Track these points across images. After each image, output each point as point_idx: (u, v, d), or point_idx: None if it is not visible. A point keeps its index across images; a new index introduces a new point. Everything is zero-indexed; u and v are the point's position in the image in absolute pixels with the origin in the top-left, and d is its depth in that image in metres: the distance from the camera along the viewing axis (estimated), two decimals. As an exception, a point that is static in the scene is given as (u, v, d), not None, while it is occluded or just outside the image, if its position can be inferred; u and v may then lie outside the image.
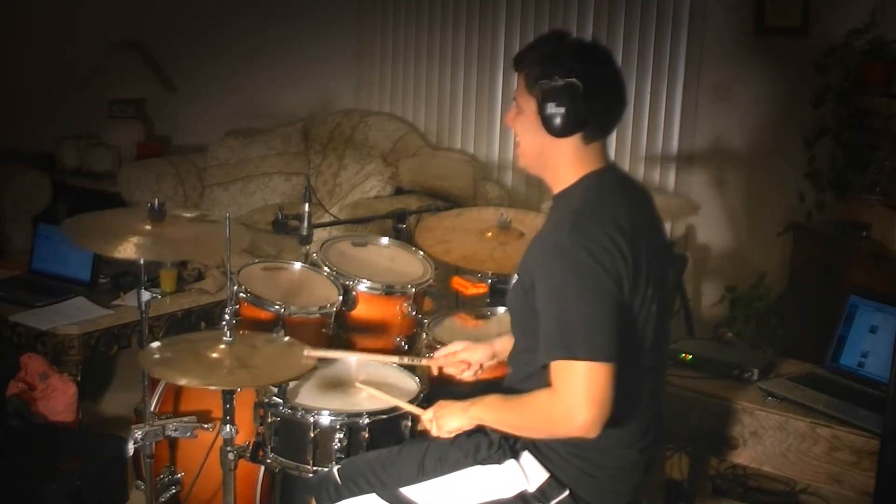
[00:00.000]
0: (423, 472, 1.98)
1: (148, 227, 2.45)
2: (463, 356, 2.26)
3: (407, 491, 1.98)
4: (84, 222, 2.56)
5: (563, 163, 1.93)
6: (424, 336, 2.73)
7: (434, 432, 2.02)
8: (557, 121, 1.86)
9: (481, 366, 2.27)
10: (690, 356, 2.77)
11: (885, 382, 2.33)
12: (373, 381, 2.46)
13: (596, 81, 1.86)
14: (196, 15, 5.52)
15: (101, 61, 5.38)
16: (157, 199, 2.49)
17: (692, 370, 2.74)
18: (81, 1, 5.46)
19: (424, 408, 2.13)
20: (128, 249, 2.37)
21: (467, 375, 2.27)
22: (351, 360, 2.58)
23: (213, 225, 2.54)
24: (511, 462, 1.93)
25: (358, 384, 2.38)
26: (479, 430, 1.98)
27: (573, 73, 1.84)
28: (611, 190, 1.93)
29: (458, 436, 2.00)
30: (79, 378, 3.28)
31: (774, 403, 2.54)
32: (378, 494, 2.00)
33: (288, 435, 2.31)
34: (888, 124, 3.52)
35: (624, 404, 1.85)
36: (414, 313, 2.79)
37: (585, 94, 1.84)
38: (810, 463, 2.45)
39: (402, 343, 2.79)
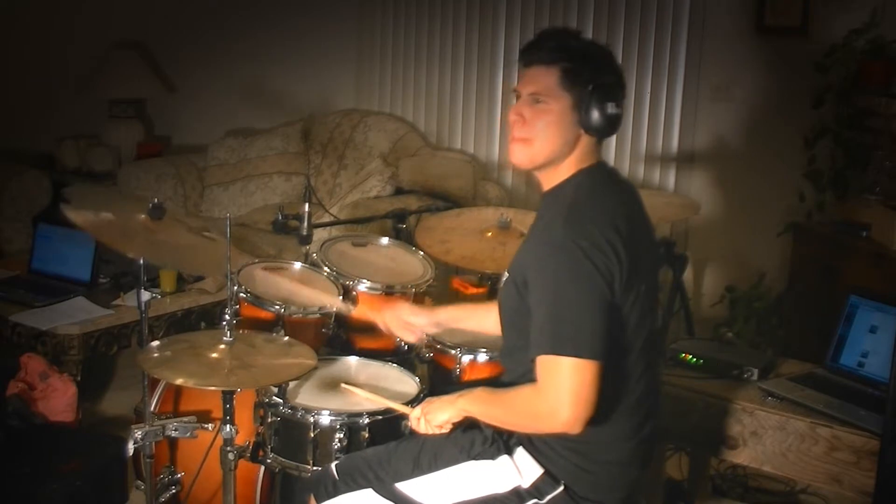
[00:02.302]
0: (418, 468, 1.99)
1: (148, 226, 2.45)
2: (409, 319, 2.35)
3: (402, 486, 1.99)
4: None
5: (566, 158, 1.93)
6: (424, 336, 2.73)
7: (422, 430, 2.02)
8: (609, 120, 1.88)
9: (424, 333, 2.41)
10: (690, 356, 2.77)
11: (885, 382, 2.34)
12: (372, 382, 2.46)
13: (622, 81, 1.93)
14: (196, 15, 5.52)
15: (101, 61, 5.38)
16: (156, 199, 2.49)
17: (692, 370, 2.74)
18: (81, 1, 5.46)
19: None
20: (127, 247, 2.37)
21: (409, 338, 2.40)
22: (351, 361, 2.59)
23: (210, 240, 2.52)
24: (504, 458, 1.93)
25: (343, 385, 2.38)
26: (474, 426, 1.99)
27: (617, 73, 1.90)
28: (603, 187, 1.93)
29: (452, 432, 2.01)
30: (79, 378, 3.28)
31: (774, 403, 2.54)
32: (374, 490, 2.01)
33: (288, 435, 2.31)
34: (888, 124, 3.51)
35: (619, 399, 1.87)
36: (414, 313, 2.79)
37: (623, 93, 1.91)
38: (810, 463, 2.45)
39: (403, 343, 2.79)
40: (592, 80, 1.86)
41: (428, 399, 2.07)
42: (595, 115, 1.87)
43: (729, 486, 3.23)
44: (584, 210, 1.85)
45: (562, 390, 1.75)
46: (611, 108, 1.87)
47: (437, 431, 2.00)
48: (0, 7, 5.23)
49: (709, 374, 2.71)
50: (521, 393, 1.85)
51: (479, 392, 1.96)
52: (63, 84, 5.47)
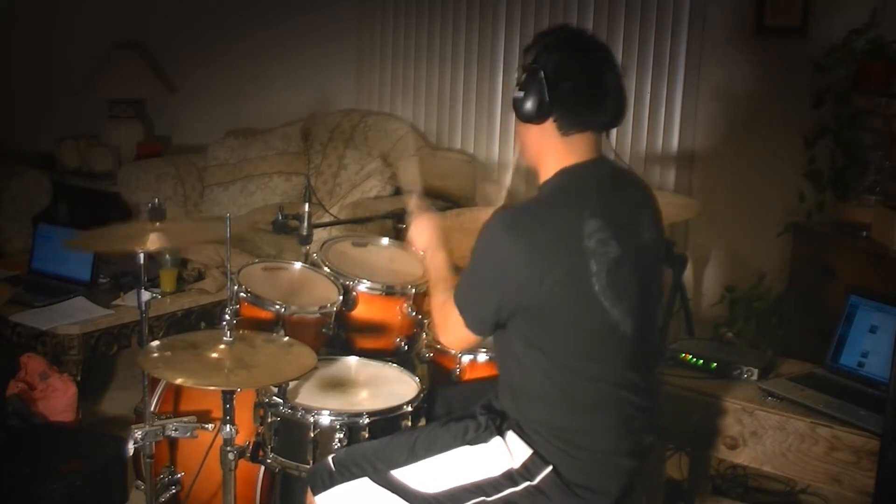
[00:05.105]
0: (413, 455, 2.02)
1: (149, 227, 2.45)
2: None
3: (397, 473, 2.01)
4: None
5: (546, 155, 1.97)
6: (424, 336, 2.73)
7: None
8: (524, 106, 1.91)
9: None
10: (690, 356, 2.77)
11: (885, 382, 2.34)
12: (373, 381, 2.47)
13: (563, 68, 1.89)
14: (196, 15, 5.52)
15: (101, 61, 5.38)
16: (156, 199, 2.49)
17: (692, 370, 2.74)
18: (81, 1, 5.46)
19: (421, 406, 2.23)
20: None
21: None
22: (351, 361, 2.59)
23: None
24: (497, 439, 1.97)
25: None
26: (468, 415, 2.04)
27: (538, 60, 1.89)
28: (577, 188, 1.93)
29: (447, 420, 2.07)
30: (79, 378, 3.28)
31: (774, 403, 2.54)
32: (370, 479, 2.03)
33: (288, 435, 2.31)
34: (888, 124, 3.51)
35: (598, 395, 1.91)
36: (414, 313, 2.79)
37: (548, 80, 1.87)
38: (810, 463, 2.45)
39: (402, 343, 2.79)
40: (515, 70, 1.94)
41: (427, 215, 2.36)
42: (513, 102, 1.93)
43: (729, 486, 3.23)
44: (530, 207, 1.92)
45: (450, 329, 2.01)
46: (516, 94, 1.92)
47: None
48: (0, 7, 5.23)
49: (709, 374, 2.71)
50: (443, 309, 2.04)
51: (442, 267, 2.20)
52: (63, 84, 5.47)
